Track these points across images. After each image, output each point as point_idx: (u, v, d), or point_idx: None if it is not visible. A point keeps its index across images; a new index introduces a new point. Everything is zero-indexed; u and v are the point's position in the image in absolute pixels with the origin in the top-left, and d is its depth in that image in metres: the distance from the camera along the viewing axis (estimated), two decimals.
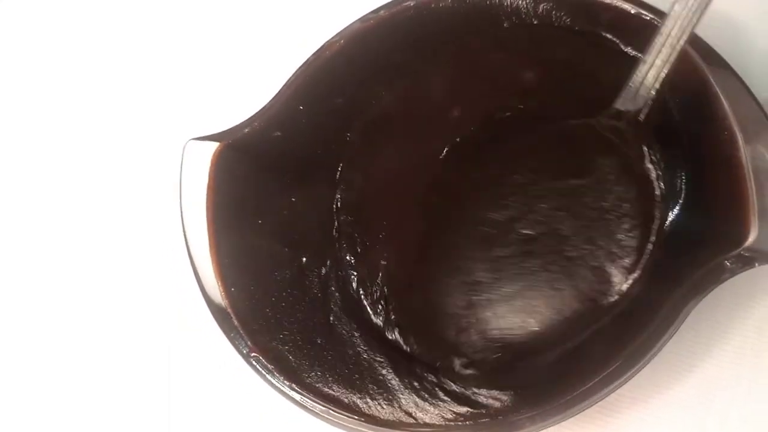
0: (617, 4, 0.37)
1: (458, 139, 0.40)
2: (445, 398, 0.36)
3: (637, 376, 0.34)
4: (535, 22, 0.39)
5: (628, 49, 0.38)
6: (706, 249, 0.33)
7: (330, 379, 0.37)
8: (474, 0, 0.40)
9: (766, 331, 0.37)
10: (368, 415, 0.36)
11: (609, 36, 0.38)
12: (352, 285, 0.39)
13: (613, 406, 0.37)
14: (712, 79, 0.35)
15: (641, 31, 0.37)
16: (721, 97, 0.35)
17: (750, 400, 0.37)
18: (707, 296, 0.33)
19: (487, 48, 0.41)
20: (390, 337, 0.38)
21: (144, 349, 0.44)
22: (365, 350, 0.38)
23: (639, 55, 0.36)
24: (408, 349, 0.37)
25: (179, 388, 0.43)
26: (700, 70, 0.35)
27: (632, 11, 0.37)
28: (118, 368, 0.44)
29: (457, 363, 0.36)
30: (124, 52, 0.50)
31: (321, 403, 0.36)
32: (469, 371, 0.36)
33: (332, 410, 0.36)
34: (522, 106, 0.39)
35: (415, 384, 0.36)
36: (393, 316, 0.38)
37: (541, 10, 0.39)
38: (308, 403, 0.36)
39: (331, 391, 0.37)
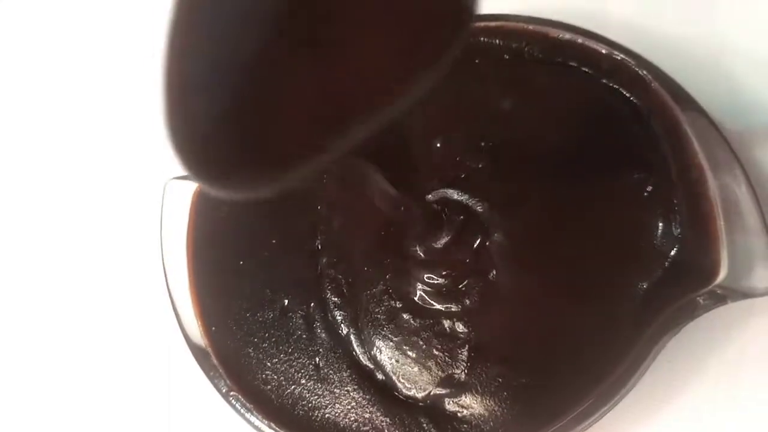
0: (589, 45, 0.38)
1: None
2: None
3: (613, 411, 0.34)
4: (507, 57, 0.39)
5: (605, 81, 0.38)
6: (676, 286, 0.34)
7: (314, 417, 0.37)
8: None
9: (742, 365, 0.37)
10: None
11: (585, 69, 0.38)
12: (340, 326, 0.39)
13: None
14: (681, 119, 0.36)
15: (616, 68, 0.37)
16: (691, 136, 0.35)
17: None
18: (683, 331, 0.34)
19: (462, 82, 0.40)
20: (379, 378, 0.38)
21: (142, 369, 0.44)
22: (353, 390, 0.37)
23: (617, 86, 0.37)
24: (396, 390, 0.37)
25: (179, 401, 0.43)
26: (669, 110, 0.36)
27: (603, 51, 0.38)
28: (115, 383, 0.45)
29: (443, 402, 0.36)
30: (104, 86, 0.50)
31: None
32: (452, 410, 0.36)
33: None
34: (504, 135, 0.39)
35: (400, 422, 0.36)
36: (381, 357, 0.38)
37: (513, 47, 0.39)
38: None
39: (314, 430, 0.37)
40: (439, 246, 0.38)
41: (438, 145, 0.39)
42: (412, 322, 0.38)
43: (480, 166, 0.38)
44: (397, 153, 0.40)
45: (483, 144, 0.39)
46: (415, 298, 0.38)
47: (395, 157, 0.40)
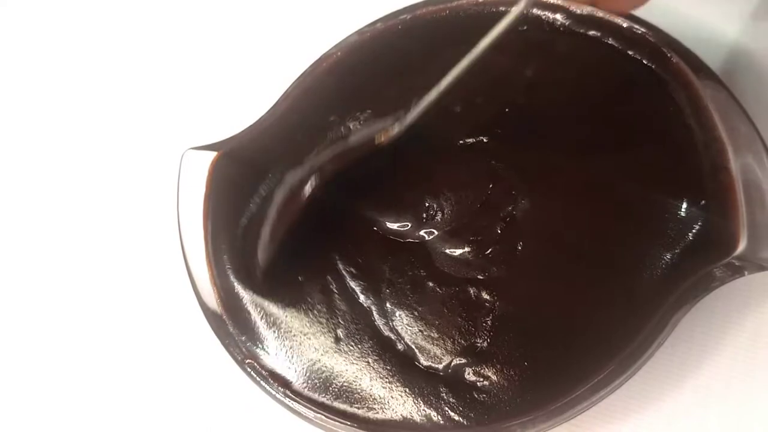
0: (609, 18, 0.38)
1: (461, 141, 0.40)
2: (446, 404, 0.36)
3: (630, 385, 0.34)
4: (525, 28, 0.40)
5: (627, 52, 0.38)
6: (695, 258, 0.34)
7: (331, 387, 0.37)
8: (468, 11, 0.40)
9: (760, 340, 0.37)
10: (364, 420, 0.36)
11: (607, 41, 0.38)
12: (359, 297, 0.38)
13: (607, 414, 0.37)
14: (702, 93, 0.36)
15: (637, 41, 0.37)
16: (711, 109, 0.36)
17: (743, 410, 0.37)
18: (701, 305, 0.34)
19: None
20: (400, 348, 0.37)
21: (141, 353, 0.44)
22: (373, 360, 0.37)
23: (639, 57, 0.37)
24: (416, 360, 0.37)
25: (194, 369, 0.43)
26: (691, 84, 0.36)
27: (624, 25, 0.38)
28: (115, 373, 0.44)
29: (463, 371, 0.36)
30: (123, 61, 0.51)
31: (314, 409, 0.36)
32: (472, 380, 0.36)
33: (325, 416, 0.36)
34: (523, 102, 0.39)
35: (419, 391, 0.36)
36: (402, 327, 0.38)
37: (532, 16, 0.39)
38: (301, 409, 0.36)
39: (327, 399, 0.37)
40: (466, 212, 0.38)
41: (458, 110, 0.39)
42: (437, 290, 0.37)
43: (503, 132, 0.38)
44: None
45: (507, 110, 0.39)
46: (440, 266, 0.38)
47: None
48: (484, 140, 0.39)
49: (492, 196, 0.38)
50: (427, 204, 0.39)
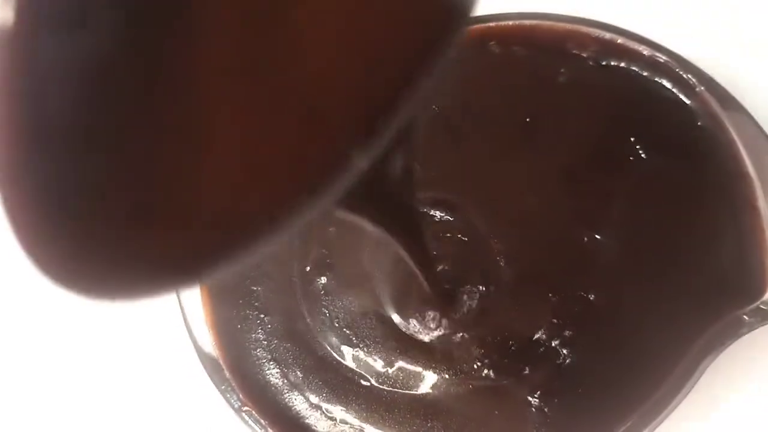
0: (630, 46, 0.37)
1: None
2: None
3: None
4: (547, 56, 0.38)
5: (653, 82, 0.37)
6: (723, 302, 0.32)
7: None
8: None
9: None
10: None
11: (632, 69, 0.37)
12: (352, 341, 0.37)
13: None
14: (728, 125, 0.34)
15: (660, 71, 0.36)
16: (738, 143, 0.34)
17: None
18: (723, 354, 0.32)
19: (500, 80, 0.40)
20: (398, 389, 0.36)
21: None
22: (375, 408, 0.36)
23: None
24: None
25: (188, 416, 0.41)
26: (716, 116, 0.35)
27: (645, 53, 0.36)
28: (123, 394, 0.42)
29: None
30: None
31: None
32: None
33: None
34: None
35: None
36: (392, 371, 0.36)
37: (551, 46, 0.38)
38: None
39: None
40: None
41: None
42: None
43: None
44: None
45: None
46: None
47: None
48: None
49: None
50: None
